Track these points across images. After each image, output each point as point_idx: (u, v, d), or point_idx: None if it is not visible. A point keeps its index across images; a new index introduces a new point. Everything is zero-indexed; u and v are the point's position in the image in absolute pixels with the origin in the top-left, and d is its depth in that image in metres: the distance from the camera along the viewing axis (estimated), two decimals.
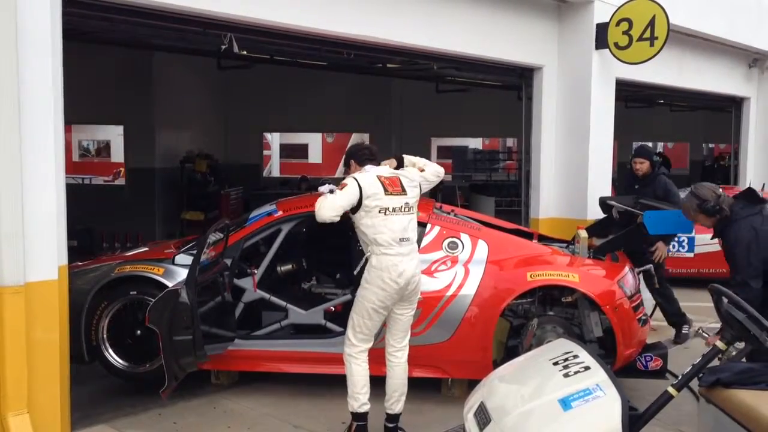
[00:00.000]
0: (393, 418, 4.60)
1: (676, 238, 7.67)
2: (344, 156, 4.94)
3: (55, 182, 4.23)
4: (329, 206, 4.37)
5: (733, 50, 11.96)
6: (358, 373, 4.49)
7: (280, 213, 5.67)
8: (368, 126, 17.64)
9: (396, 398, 4.58)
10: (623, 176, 7.55)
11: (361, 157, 4.71)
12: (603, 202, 6.86)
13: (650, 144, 21.28)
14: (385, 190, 4.44)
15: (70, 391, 4.53)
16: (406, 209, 4.50)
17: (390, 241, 4.40)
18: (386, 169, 4.66)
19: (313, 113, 16.34)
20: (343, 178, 4.57)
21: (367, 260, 4.51)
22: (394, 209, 4.44)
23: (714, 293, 3.23)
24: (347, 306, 5.59)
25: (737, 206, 4.54)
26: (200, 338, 4.79)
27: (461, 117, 16.69)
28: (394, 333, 4.62)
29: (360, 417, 4.51)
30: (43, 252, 4.17)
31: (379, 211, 4.40)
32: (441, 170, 4.94)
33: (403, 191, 4.53)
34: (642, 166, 6.98)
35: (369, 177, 4.48)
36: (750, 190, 4.71)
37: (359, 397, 4.48)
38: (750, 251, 4.35)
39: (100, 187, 17.78)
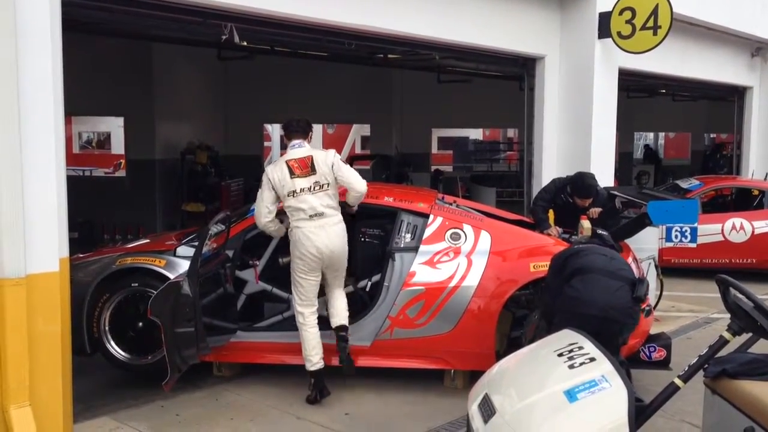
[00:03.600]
0: (342, 328, 5.19)
1: (679, 229, 7.62)
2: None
3: (56, 174, 4.20)
4: (257, 213, 5.13)
5: (736, 39, 11.91)
6: (309, 337, 5.07)
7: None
8: (369, 117, 17.60)
9: (340, 314, 5.20)
10: (556, 197, 6.71)
11: (289, 129, 5.22)
12: (606, 192, 6.83)
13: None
14: (291, 174, 4.99)
15: (72, 383, 4.52)
16: (317, 188, 5.02)
17: (303, 216, 4.99)
18: (304, 150, 5.10)
19: (313, 104, 16.26)
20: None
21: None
22: (302, 189, 4.99)
23: (721, 284, 3.21)
24: (349, 297, 5.59)
25: None
26: (202, 330, 4.78)
27: (462, 108, 16.64)
28: (331, 293, 5.27)
29: (316, 374, 5.09)
30: (44, 244, 4.14)
31: (288, 195, 5.00)
32: (359, 191, 5.19)
33: (313, 171, 5.02)
34: (587, 201, 6.47)
35: (278, 166, 5.05)
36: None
37: (312, 358, 5.06)
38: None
39: (100, 179, 17.74)
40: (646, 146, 23.17)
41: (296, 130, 5.19)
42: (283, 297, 5.59)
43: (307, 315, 5.11)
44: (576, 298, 3.97)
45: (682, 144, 26.50)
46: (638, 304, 4.04)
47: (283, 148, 25.00)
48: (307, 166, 5.03)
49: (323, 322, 5.37)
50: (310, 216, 5.00)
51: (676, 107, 19.39)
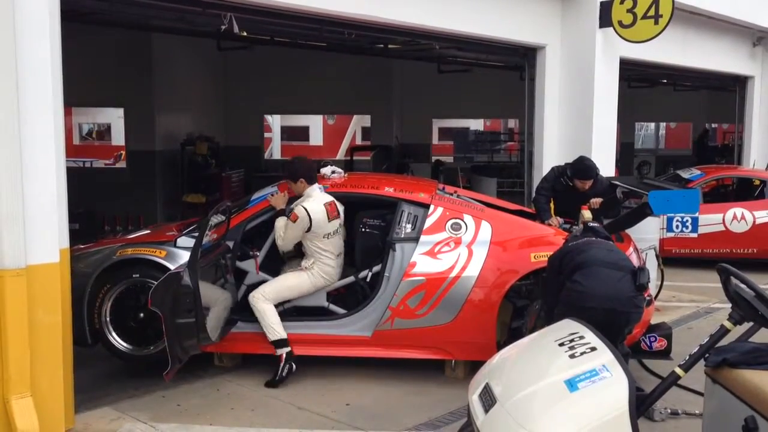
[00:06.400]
0: None
1: (680, 219, 7.61)
2: (291, 170, 5.48)
3: (56, 165, 4.19)
4: (283, 246, 5.42)
5: (738, 29, 11.86)
6: (269, 310, 5.27)
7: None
8: (369, 108, 17.55)
9: None
10: (557, 185, 6.66)
11: (312, 177, 5.49)
12: (607, 180, 6.81)
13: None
14: (327, 218, 5.32)
15: (73, 373, 4.53)
16: (340, 229, 5.47)
17: (330, 256, 5.38)
18: (326, 195, 5.46)
19: (313, 95, 16.25)
20: (343, 163, 4.71)
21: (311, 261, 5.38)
22: (334, 232, 5.40)
23: (722, 273, 3.20)
24: (350, 288, 5.59)
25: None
26: (203, 321, 4.79)
27: (462, 98, 16.59)
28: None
29: (285, 343, 5.26)
30: (44, 235, 4.14)
31: (324, 236, 5.32)
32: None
33: (337, 215, 5.45)
34: (587, 183, 6.45)
35: (317, 206, 5.30)
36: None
37: (276, 327, 5.26)
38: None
39: (101, 171, 17.72)
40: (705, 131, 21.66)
41: (316, 178, 5.55)
42: None
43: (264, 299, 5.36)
44: (580, 292, 3.98)
45: (684, 134, 26.43)
46: (642, 293, 4.05)
47: (288, 140, 24.84)
48: (335, 210, 5.43)
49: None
50: (337, 255, 5.43)
51: (677, 97, 19.34)
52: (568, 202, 6.50)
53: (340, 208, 5.51)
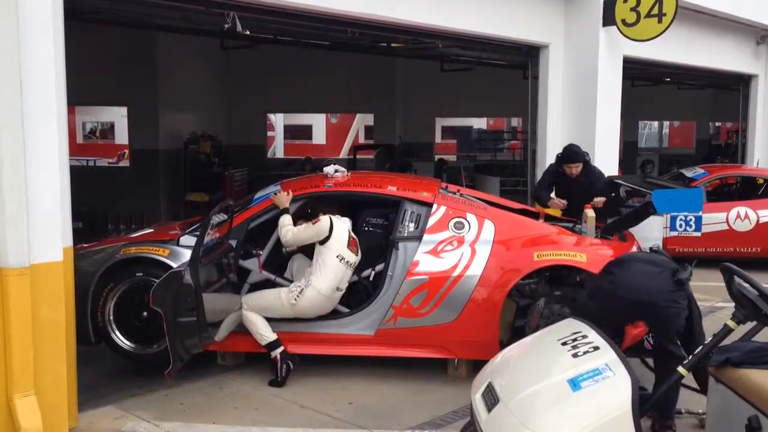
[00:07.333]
0: None
1: (683, 218, 7.61)
2: (309, 206, 5.45)
3: (59, 164, 4.19)
4: (290, 240, 5.27)
5: (742, 27, 11.83)
6: (255, 318, 5.26)
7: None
8: (372, 106, 17.55)
9: None
10: (554, 177, 7.06)
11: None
12: (610, 181, 6.80)
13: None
14: (347, 243, 5.25)
15: (76, 372, 4.54)
16: (350, 266, 5.30)
17: (331, 285, 5.19)
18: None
19: (316, 94, 16.26)
20: (346, 161, 4.71)
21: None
22: (348, 263, 5.25)
23: (725, 272, 3.20)
24: (353, 287, 5.58)
25: None
26: (204, 320, 4.79)
27: (465, 97, 16.58)
28: None
29: (276, 344, 5.26)
30: (48, 234, 4.14)
31: (337, 256, 5.18)
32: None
33: (356, 251, 5.36)
34: (576, 169, 6.83)
35: (342, 225, 5.30)
36: None
37: (264, 331, 5.25)
38: None
39: (104, 169, 17.76)
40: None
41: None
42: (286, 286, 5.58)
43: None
44: (613, 283, 3.86)
45: (687, 133, 26.39)
46: (681, 288, 3.85)
47: (291, 138, 24.94)
48: (356, 246, 5.38)
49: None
50: (335, 288, 5.24)
51: (680, 96, 19.31)
52: (566, 194, 6.76)
53: (358, 251, 5.43)
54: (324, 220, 5.22)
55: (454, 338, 5.29)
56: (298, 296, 5.17)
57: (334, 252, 5.18)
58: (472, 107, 18.67)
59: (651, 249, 5.64)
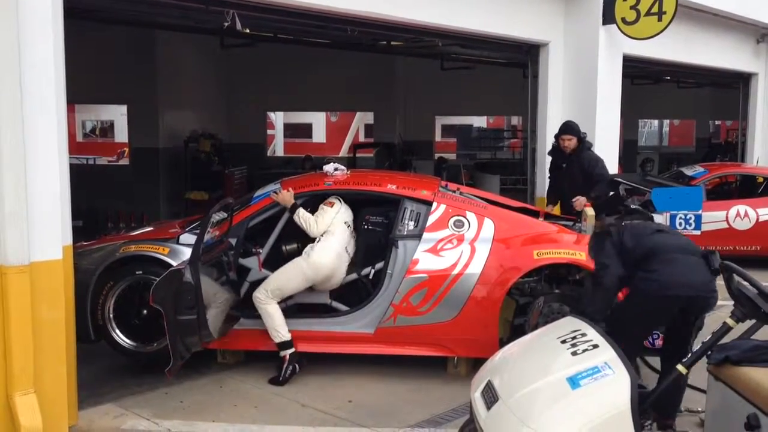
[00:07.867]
0: None
1: (683, 216, 7.60)
2: (309, 205, 5.55)
3: (59, 162, 4.20)
4: (321, 227, 5.35)
5: (742, 25, 11.83)
6: (275, 311, 5.25)
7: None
8: (372, 105, 17.55)
9: None
10: (553, 154, 7.62)
11: None
12: (610, 180, 6.82)
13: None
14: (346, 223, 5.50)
15: (76, 370, 4.54)
16: (352, 232, 5.56)
17: (335, 244, 5.35)
18: None
19: (316, 92, 16.25)
20: (346, 160, 4.75)
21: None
22: (351, 228, 5.53)
23: (725, 271, 3.20)
24: (353, 285, 5.59)
25: None
26: (205, 318, 4.79)
27: (465, 95, 16.58)
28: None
29: (289, 344, 5.27)
30: (47, 232, 4.14)
31: (344, 222, 5.45)
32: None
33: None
34: (570, 142, 7.05)
35: (347, 209, 5.56)
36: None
37: (280, 329, 5.24)
38: None
39: (104, 168, 17.76)
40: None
41: None
42: None
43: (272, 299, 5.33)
44: (657, 281, 3.86)
45: (687, 131, 26.39)
46: (716, 277, 3.89)
47: (290, 137, 24.90)
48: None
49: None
50: (340, 251, 5.37)
51: (680, 94, 19.30)
52: (560, 179, 7.18)
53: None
54: (335, 200, 5.49)
55: (454, 336, 5.30)
56: (311, 250, 5.29)
57: (342, 218, 5.44)
58: (472, 106, 18.67)
59: (627, 207, 5.56)
